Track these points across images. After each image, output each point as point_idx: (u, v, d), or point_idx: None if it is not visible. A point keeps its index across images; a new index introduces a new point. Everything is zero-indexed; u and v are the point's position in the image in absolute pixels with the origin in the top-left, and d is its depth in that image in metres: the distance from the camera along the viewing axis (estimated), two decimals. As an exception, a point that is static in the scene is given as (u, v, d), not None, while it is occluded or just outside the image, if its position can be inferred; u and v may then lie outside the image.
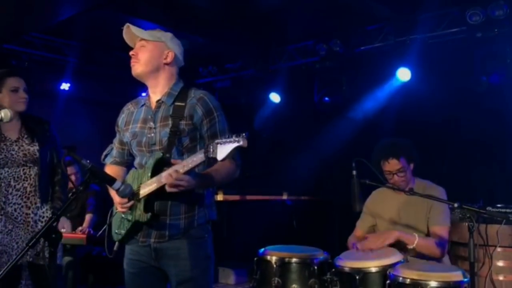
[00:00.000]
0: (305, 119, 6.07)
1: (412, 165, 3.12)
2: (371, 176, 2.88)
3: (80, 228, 4.51)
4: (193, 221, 2.22)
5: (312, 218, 6.00)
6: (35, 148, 3.03)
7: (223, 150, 1.89)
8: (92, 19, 5.04)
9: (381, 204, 3.25)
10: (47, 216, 3.04)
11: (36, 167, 3.02)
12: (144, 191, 2.14)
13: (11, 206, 2.96)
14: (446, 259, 3.07)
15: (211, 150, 1.91)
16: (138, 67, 2.24)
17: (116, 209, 2.26)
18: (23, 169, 3.00)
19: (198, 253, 2.22)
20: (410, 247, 2.87)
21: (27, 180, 3.01)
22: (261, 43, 5.76)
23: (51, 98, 6.17)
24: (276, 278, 2.89)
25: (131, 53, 2.27)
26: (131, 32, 2.27)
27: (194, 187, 2.08)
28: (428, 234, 3.02)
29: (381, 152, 3.11)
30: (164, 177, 2.04)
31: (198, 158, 1.99)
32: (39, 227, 2.99)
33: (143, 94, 7.30)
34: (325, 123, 5.71)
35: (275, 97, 6.25)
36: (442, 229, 2.99)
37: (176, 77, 2.33)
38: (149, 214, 2.14)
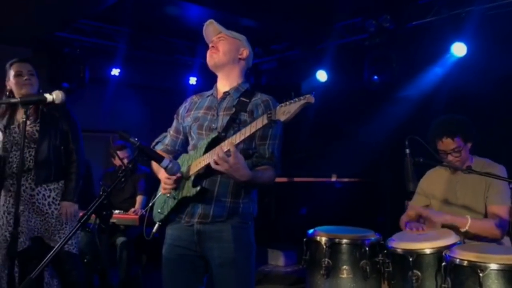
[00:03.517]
0: (353, 98, 5.91)
1: (469, 145, 2.97)
2: (425, 155, 2.77)
3: (132, 209, 4.65)
4: (238, 208, 2.24)
5: (362, 200, 5.88)
6: (34, 128, 3.13)
7: (286, 111, 1.88)
8: (141, 4, 5.10)
9: (436, 184, 3.12)
10: (53, 197, 3.14)
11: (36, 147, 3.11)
12: (195, 167, 2.17)
13: (21, 187, 3.01)
14: (506, 240, 2.91)
15: (274, 113, 1.91)
16: (217, 57, 2.35)
17: (162, 190, 2.28)
18: (29, 151, 3.12)
19: (242, 238, 2.24)
20: (462, 230, 2.73)
21: (30, 162, 3.11)
22: (307, 22, 5.64)
23: (102, 84, 6.33)
24: (326, 259, 2.85)
25: (211, 44, 2.39)
26: (212, 28, 2.39)
27: (239, 168, 2.01)
28: (486, 214, 2.89)
29: (436, 130, 2.97)
30: (217, 150, 2.05)
31: (259, 122, 1.97)
32: (46, 208, 3.12)
33: (191, 78, 7.35)
34: (375, 102, 5.55)
35: (322, 76, 6.10)
36: (501, 209, 2.84)
37: (244, 76, 2.45)
38: (198, 187, 2.15)
